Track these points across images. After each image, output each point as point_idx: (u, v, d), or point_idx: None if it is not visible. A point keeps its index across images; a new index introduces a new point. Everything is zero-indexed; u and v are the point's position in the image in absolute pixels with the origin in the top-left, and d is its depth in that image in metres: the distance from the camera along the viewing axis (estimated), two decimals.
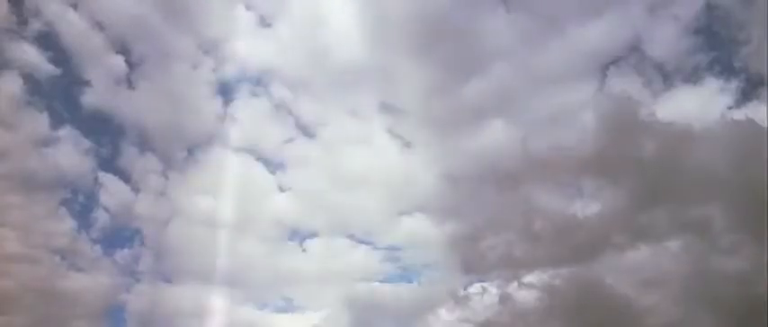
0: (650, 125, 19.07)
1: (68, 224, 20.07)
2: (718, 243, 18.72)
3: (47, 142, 20.32)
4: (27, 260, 19.24)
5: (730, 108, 19.18)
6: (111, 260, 20.33)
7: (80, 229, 20.10)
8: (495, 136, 20.81)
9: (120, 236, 20.82)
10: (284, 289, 21.10)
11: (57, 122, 20.45)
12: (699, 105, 19.56)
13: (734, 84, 19.34)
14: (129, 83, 21.24)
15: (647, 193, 18.99)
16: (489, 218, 20.70)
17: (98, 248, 20.24)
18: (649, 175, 18.81)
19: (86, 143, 20.63)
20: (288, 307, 20.94)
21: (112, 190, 20.75)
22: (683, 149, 18.47)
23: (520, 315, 19.75)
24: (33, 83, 20.04)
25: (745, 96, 19.00)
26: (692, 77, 19.89)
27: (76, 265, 20.05)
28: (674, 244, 19.41)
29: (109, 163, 20.94)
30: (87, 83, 20.77)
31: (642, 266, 19.08)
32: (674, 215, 19.06)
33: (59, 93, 20.68)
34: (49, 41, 20.29)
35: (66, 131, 20.59)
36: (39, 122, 20.16)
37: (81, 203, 20.49)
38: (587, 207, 19.85)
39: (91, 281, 20.07)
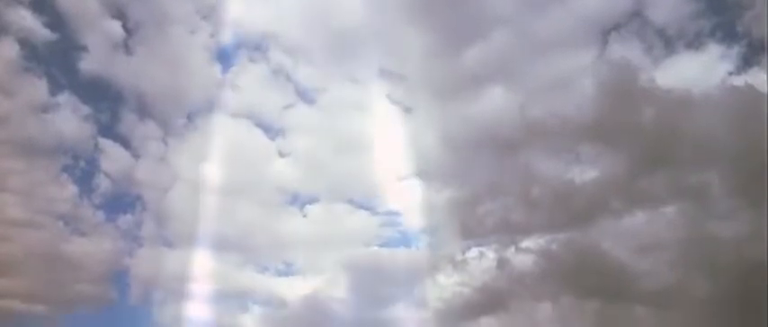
0: (650, 91, 19.01)
1: (70, 189, 20.24)
2: (715, 208, 18.84)
3: (46, 108, 20.36)
4: (30, 225, 19.47)
5: (731, 74, 19.06)
6: (113, 225, 20.56)
7: (82, 195, 20.29)
8: (495, 102, 20.77)
9: (122, 202, 21.00)
10: (284, 253, 21.35)
11: (55, 88, 20.47)
12: (699, 71, 19.45)
13: (735, 50, 19.17)
14: (127, 49, 21.16)
15: (645, 159, 19.04)
16: (488, 184, 20.82)
17: (100, 213, 20.46)
18: (648, 141, 18.83)
19: (85, 109, 20.67)
20: (288, 271, 21.22)
21: (113, 157, 20.86)
22: (682, 115, 18.45)
23: (517, 280, 20.03)
24: (30, 49, 20.00)
25: (746, 62, 18.87)
26: (694, 43, 19.71)
27: (79, 230, 20.29)
28: (670, 210, 19.55)
29: (108, 130, 21.01)
30: (84, 49, 20.70)
31: (639, 231, 19.25)
32: (672, 180, 19.14)
33: (57, 59, 20.64)
34: (44, 6, 20.19)
35: (64, 97, 20.62)
36: (37, 88, 20.17)
37: (82, 169, 20.62)
38: (585, 173, 19.92)
39: (94, 246, 20.35)
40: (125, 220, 20.65)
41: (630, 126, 19.13)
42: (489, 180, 20.80)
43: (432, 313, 20.04)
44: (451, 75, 21.11)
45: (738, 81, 18.72)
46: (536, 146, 20.48)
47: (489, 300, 20.04)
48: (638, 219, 19.67)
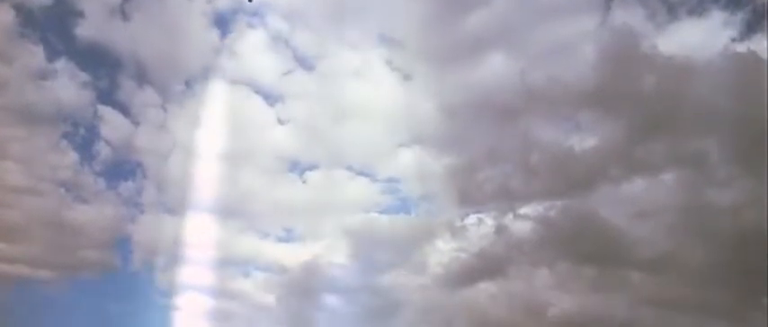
0: (651, 58, 18.83)
1: (71, 157, 20.34)
2: (714, 175, 18.86)
3: (43, 75, 20.31)
4: (32, 192, 19.64)
5: (734, 40, 18.82)
6: (114, 192, 20.71)
7: (83, 162, 20.39)
8: (495, 68, 20.62)
9: (123, 169, 21.11)
10: (285, 220, 21.52)
11: (52, 55, 20.39)
12: (702, 38, 19.21)
13: (739, 17, 18.88)
14: (124, 15, 20.96)
15: (645, 126, 18.99)
16: (487, 150, 20.84)
17: (101, 180, 20.59)
18: (648, 108, 18.74)
19: (83, 76, 20.62)
20: (288, 237, 21.43)
21: (112, 124, 20.89)
22: (684, 82, 18.31)
23: (515, 246, 20.21)
24: (26, 15, 19.85)
25: (750, 29, 18.60)
26: (697, 9, 19.42)
27: (81, 197, 20.46)
28: (669, 177, 19.59)
29: (107, 96, 20.98)
30: (81, 15, 20.52)
31: (637, 198, 19.33)
32: (671, 148, 19.12)
33: (53, 25, 20.48)
34: None
35: (62, 64, 20.55)
36: (34, 55, 20.09)
37: (82, 136, 20.68)
38: (585, 141, 19.90)
39: (96, 213, 20.54)
40: (126, 187, 20.81)
41: (631, 93, 19.03)
42: (488, 146, 20.82)
43: (430, 278, 20.30)
44: (451, 41, 20.93)
45: (741, 47, 18.52)
46: (536, 113, 20.43)
47: (487, 266, 20.27)
48: (636, 186, 19.73)
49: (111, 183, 20.65)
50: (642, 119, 18.85)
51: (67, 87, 20.48)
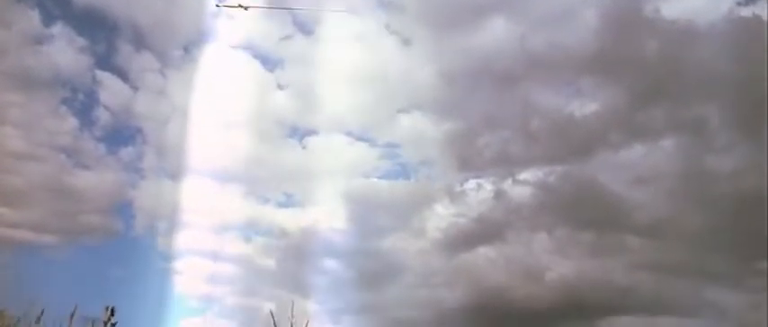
0: (654, 22, 18.69)
1: (70, 122, 20.31)
2: (713, 141, 18.85)
3: (40, 39, 20.15)
4: (33, 157, 19.66)
5: (739, 4, 18.57)
6: (115, 157, 20.75)
7: (82, 127, 20.36)
8: (495, 33, 20.43)
9: (123, 134, 21.11)
10: (285, 185, 21.60)
11: (48, 19, 20.16)
12: (706, 1, 18.96)
13: None
14: None
15: (645, 92, 18.91)
16: (486, 116, 20.80)
17: (102, 146, 20.61)
18: (649, 74, 18.67)
19: (80, 41, 20.43)
20: (288, 202, 21.53)
21: (111, 89, 20.79)
22: (686, 47, 18.18)
23: (514, 211, 20.33)
24: None
25: None
26: None
27: (82, 163, 20.51)
28: (669, 143, 19.59)
29: (105, 62, 20.84)
30: None
31: (635, 164, 19.38)
32: (672, 113, 19.08)
33: None
34: None
35: (58, 28, 20.34)
36: (30, 19, 19.90)
37: (81, 101, 20.61)
38: (585, 106, 19.84)
39: (97, 178, 20.61)
40: (126, 153, 20.84)
41: (633, 58, 18.92)
42: (488, 112, 20.77)
43: (429, 243, 20.47)
44: (451, 6, 20.70)
45: (746, 12, 18.29)
46: (536, 79, 20.34)
47: (486, 231, 20.43)
48: (635, 152, 19.75)
49: (112, 149, 20.69)
50: (643, 85, 18.79)
51: (65, 52, 20.35)
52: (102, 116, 20.62)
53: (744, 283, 19.75)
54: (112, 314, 2.90)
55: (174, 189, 20.75)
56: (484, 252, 21.05)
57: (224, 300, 19.56)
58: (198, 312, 19.30)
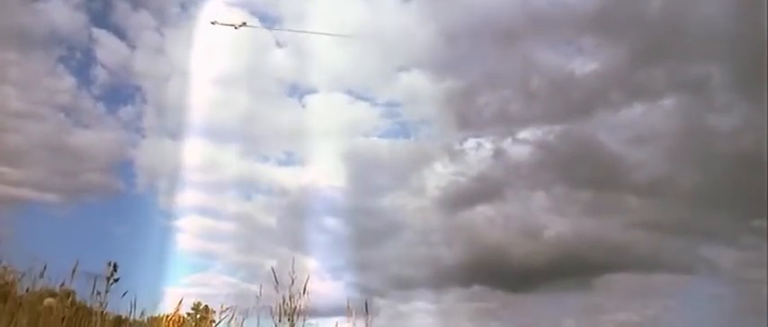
0: None
1: (68, 81, 20.23)
2: (714, 100, 18.80)
3: None
4: (32, 116, 19.65)
5: None
6: (114, 116, 20.76)
7: (80, 86, 20.29)
8: None
9: (122, 93, 21.08)
10: (285, 144, 21.65)
11: None
12: None
13: None
14: None
15: (647, 51, 18.76)
16: (486, 74, 20.71)
17: (101, 105, 20.58)
18: (651, 33, 18.48)
19: None
20: (288, 161, 21.63)
21: (108, 47, 20.63)
22: (688, 6, 17.95)
23: (513, 170, 20.45)
24: None
25: None
26: None
27: (81, 122, 20.52)
28: (669, 102, 19.54)
29: (102, 19, 20.62)
30: None
31: (635, 123, 19.38)
32: (673, 72, 18.97)
33: None
34: None
35: None
36: None
37: (78, 60, 20.48)
38: (585, 65, 19.71)
39: (97, 137, 20.66)
40: (126, 112, 20.84)
41: (634, 17, 18.69)
42: (488, 70, 20.66)
43: (429, 201, 20.63)
44: None
45: None
46: (537, 37, 20.15)
47: (485, 189, 20.58)
48: (635, 111, 19.72)
49: (111, 108, 20.67)
50: (644, 44, 18.64)
51: (60, 9, 20.10)
52: (100, 75, 20.53)
53: (739, 241, 19.99)
54: (115, 270, 2.99)
55: (175, 147, 20.81)
56: (482, 211, 21.25)
57: (226, 257, 19.84)
58: (200, 268, 19.59)
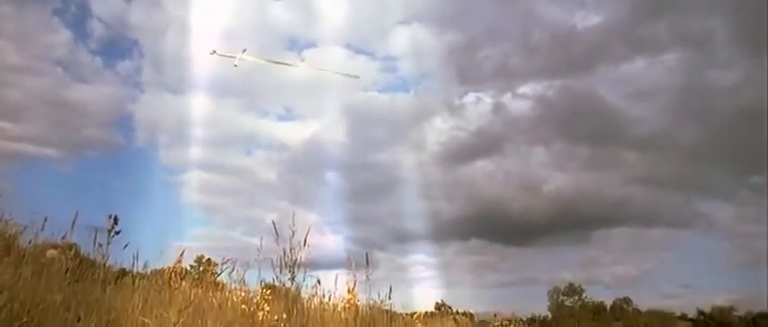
0: None
1: (64, 34, 20.03)
2: (716, 56, 18.64)
3: None
4: (29, 71, 19.56)
5: None
6: (112, 71, 20.63)
7: (77, 40, 20.11)
8: None
9: (119, 47, 20.92)
10: (284, 98, 21.55)
11: None
12: None
13: None
14: None
15: (649, 5, 18.54)
16: (487, 28, 20.52)
17: (98, 59, 20.44)
18: None
19: None
20: (288, 116, 21.62)
21: (103, 0, 20.34)
22: None
23: (512, 124, 20.44)
24: None
25: None
26: None
27: (80, 76, 20.44)
28: (671, 57, 19.38)
29: None
30: None
31: (636, 78, 19.27)
32: (675, 26, 18.75)
33: None
34: None
35: None
36: None
37: (73, 13, 20.24)
38: (588, 19, 19.52)
39: (96, 92, 20.59)
40: (124, 66, 20.72)
41: None
42: (489, 24, 20.47)
43: (428, 156, 20.70)
44: None
45: None
46: None
47: (485, 144, 20.65)
48: (637, 66, 19.59)
49: (108, 62, 20.54)
50: None
51: None
52: (97, 28, 20.30)
53: (736, 196, 20.14)
54: (116, 222, 3.00)
55: (174, 102, 20.73)
56: (482, 165, 21.38)
57: (227, 211, 20.03)
58: (202, 222, 19.78)
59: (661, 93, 18.88)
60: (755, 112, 15.74)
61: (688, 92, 18.48)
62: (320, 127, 21.18)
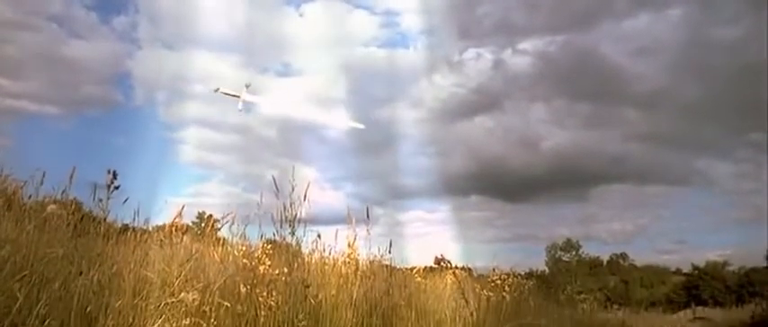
0: None
1: None
2: (720, 11, 18.36)
3: None
4: (25, 27, 19.23)
5: None
6: (108, 27, 20.30)
7: None
8: None
9: (114, 2, 20.51)
10: (283, 54, 21.31)
11: None
12: None
13: None
14: None
15: None
16: None
17: (93, 15, 20.07)
18: None
19: None
20: (287, 72, 21.39)
21: None
22: None
23: (512, 81, 20.28)
24: None
25: None
26: None
27: (76, 33, 20.11)
28: (675, 12, 19.10)
29: None
30: None
31: (639, 34, 19.01)
32: None
33: None
34: None
35: None
36: None
37: None
38: None
39: (92, 49, 20.29)
40: (120, 22, 20.34)
41: None
42: None
43: (428, 112, 20.62)
44: None
45: None
46: None
47: (484, 100, 20.52)
48: (640, 22, 19.31)
49: (104, 17, 20.23)
50: None
51: None
52: None
53: (734, 153, 20.18)
54: (115, 177, 3.01)
55: (172, 58, 20.51)
56: (481, 122, 21.32)
57: (227, 168, 20.06)
58: (202, 179, 19.87)
59: (664, 50, 18.67)
60: (757, 69, 15.63)
61: (691, 49, 18.29)
62: (319, 83, 21.01)
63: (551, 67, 19.57)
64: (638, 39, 18.82)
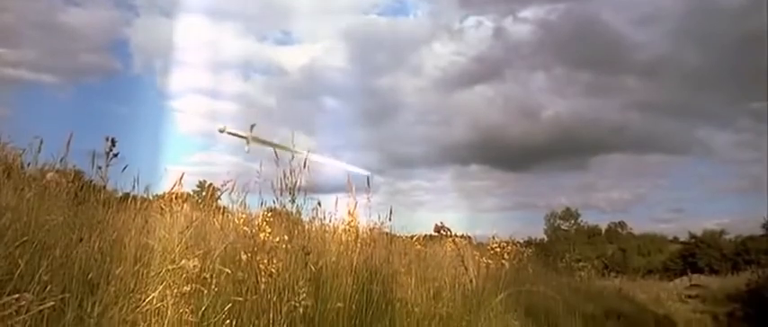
0: None
1: None
2: None
3: None
4: None
5: None
6: None
7: None
8: None
9: None
10: (283, 22, 21.15)
11: None
12: None
13: None
14: None
15: None
16: None
17: None
18: None
19: None
20: (287, 40, 21.28)
21: None
22: None
23: (513, 49, 20.14)
24: None
25: None
26: None
27: (73, 0, 19.90)
28: None
29: None
30: None
31: (640, 2, 18.89)
32: None
33: None
34: None
35: None
36: None
37: None
38: None
39: (90, 16, 20.15)
40: None
41: None
42: None
43: (428, 81, 20.56)
44: None
45: None
46: None
47: (485, 69, 20.46)
48: None
49: None
50: None
51: None
52: None
53: (734, 123, 20.14)
54: (113, 145, 2.99)
55: (170, 26, 20.37)
56: (482, 91, 21.26)
57: (227, 137, 19.97)
58: (202, 148, 19.81)
59: (665, 18, 18.54)
60: (758, 38, 15.51)
61: (693, 16, 18.14)
62: (319, 51, 20.88)
63: (552, 36, 19.47)
64: (639, 6, 18.72)
